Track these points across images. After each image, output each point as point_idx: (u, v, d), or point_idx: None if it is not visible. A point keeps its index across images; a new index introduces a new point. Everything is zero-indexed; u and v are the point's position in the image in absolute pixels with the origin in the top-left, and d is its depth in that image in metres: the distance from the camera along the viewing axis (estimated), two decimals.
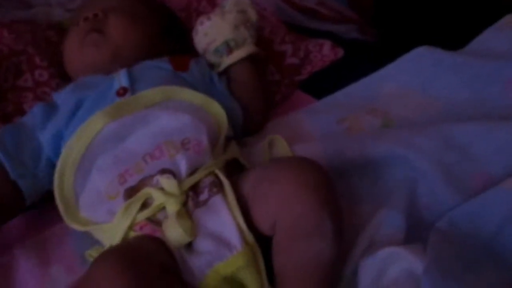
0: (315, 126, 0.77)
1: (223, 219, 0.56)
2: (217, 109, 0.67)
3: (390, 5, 1.13)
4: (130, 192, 0.59)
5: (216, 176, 0.59)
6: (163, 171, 0.59)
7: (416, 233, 0.59)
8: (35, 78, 0.84)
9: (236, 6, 0.78)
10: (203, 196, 0.58)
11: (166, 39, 0.82)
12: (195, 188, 0.59)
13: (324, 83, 0.89)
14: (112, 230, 0.58)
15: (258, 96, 0.78)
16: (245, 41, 0.78)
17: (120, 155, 0.61)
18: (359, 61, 0.93)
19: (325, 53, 0.92)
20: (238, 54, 0.77)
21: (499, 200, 0.56)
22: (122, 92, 0.68)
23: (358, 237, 0.58)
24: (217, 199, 0.57)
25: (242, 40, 0.78)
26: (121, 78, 0.70)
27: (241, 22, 0.78)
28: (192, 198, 0.58)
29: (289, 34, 0.95)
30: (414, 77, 0.81)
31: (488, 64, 0.77)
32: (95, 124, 0.63)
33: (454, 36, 0.89)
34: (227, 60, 0.78)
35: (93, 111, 0.65)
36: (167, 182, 0.57)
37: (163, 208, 0.58)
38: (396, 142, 0.64)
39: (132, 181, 0.60)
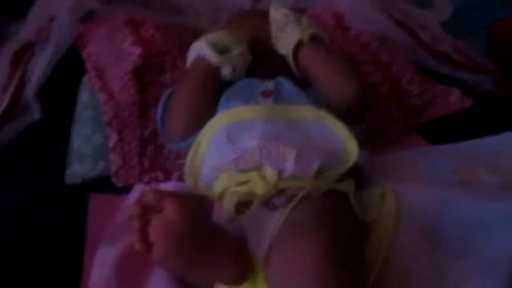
0: (428, 170, 0.75)
1: (260, 231, 0.57)
2: (353, 145, 0.68)
3: None
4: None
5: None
6: (271, 165, 0.64)
7: None
8: (173, 77, 0.93)
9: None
10: (278, 201, 0.61)
11: None
12: (283, 191, 0.63)
13: (445, 131, 0.86)
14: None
15: (340, 79, 0.77)
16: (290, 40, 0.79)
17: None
18: (488, 115, 0.89)
19: (452, 100, 0.90)
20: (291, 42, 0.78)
21: None
22: (266, 94, 0.75)
23: None
24: (278, 214, 0.59)
25: (285, 45, 0.80)
26: (268, 84, 0.78)
27: (277, 31, 0.81)
28: (275, 197, 0.62)
29: (417, 75, 0.94)
30: None
31: None
32: (245, 113, 0.70)
33: None
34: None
35: (237, 97, 0.74)
36: (270, 173, 0.63)
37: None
38: None
39: (243, 166, 0.66)
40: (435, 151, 0.80)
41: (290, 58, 0.80)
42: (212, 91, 0.78)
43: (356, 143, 0.68)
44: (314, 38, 0.79)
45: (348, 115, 0.73)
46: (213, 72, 0.78)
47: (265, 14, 0.93)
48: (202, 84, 0.78)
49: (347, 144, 0.68)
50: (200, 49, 0.79)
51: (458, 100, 0.90)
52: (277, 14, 0.82)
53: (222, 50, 0.78)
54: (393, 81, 0.92)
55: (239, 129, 0.70)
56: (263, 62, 0.83)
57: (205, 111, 0.75)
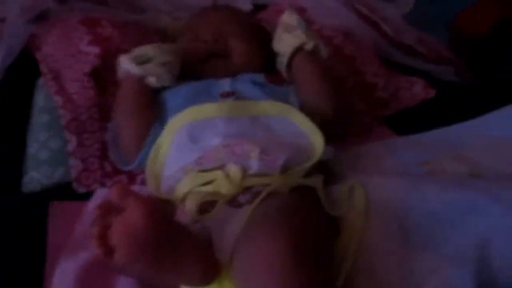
0: (395, 163, 0.75)
1: (224, 230, 0.56)
2: (318, 140, 0.67)
3: (494, 50, 1.09)
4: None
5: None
6: (235, 163, 0.63)
7: None
8: None
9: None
10: (243, 199, 0.60)
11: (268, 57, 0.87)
12: (249, 189, 0.62)
13: (410, 122, 0.87)
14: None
15: (324, 95, 0.77)
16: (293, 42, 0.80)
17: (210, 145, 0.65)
18: (451, 105, 0.90)
19: (415, 91, 0.90)
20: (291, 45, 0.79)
21: None
22: (226, 95, 0.75)
23: None
24: (243, 211, 0.58)
25: (286, 46, 0.81)
26: (224, 84, 0.77)
27: (280, 32, 0.82)
28: (240, 195, 0.61)
29: (381, 67, 0.94)
30: (510, 129, 0.76)
31: None
32: (207, 111, 0.69)
33: None
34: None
35: (194, 100, 0.72)
36: (234, 171, 0.62)
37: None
38: (481, 193, 0.60)
39: (207, 166, 0.64)
40: (401, 143, 0.80)
41: (285, 57, 0.80)
42: (149, 101, 0.77)
43: (321, 137, 0.67)
44: (315, 49, 0.80)
45: (320, 128, 0.71)
46: (140, 83, 0.78)
47: (225, 10, 0.92)
48: (135, 98, 0.77)
49: (312, 138, 0.67)
50: (122, 64, 0.79)
51: (422, 91, 0.91)
52: (290, 18, 0.82)
53: (143, 62, 0.78)
54: (358, 75, 0.92)
55: (200, 128, 0.68)
56: (216, 62, 0.82)
57: (150, 122, 0.74)
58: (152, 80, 0.78)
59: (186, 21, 0.95)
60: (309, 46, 0.79)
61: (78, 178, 0.76)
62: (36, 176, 0.77)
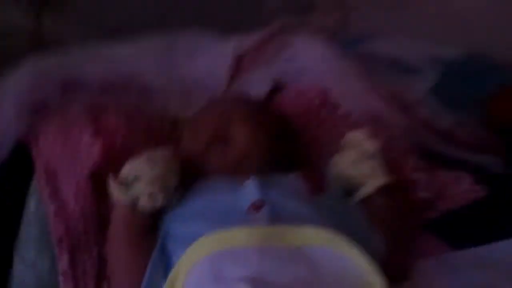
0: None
1: None
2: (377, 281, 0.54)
3: None
4: None
5: None
6: None
7: None
8: None
9: (350, 143, 0.72)
10: None
11: (281, 144, 0.78)
12: None
13: (460, 227, 0.74)
14: None
15: (395, 233, 0.66)
16: (371, 175, 0.68)
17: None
18: (505, 203, 0.78)
19: (464, 189, 0.78)
20: (372, 184, 0.68)
21: None
22: (255, 208, 0.60)
23: None
24: None
25: (361, 176, 0.69)
26: (251, 189, 0.64)
27: (357, 157, 0.70)
28: None
29: (420, 160, 0.82)
30: None
31: None
32: (236, 238, 0.55)
33: None
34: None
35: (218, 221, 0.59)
36: None
37: None
38: None
39: None
40: (458, 259, 0.67)
41: (363, 192, 0.68)
42: (144, 233, 0.64)
43: (381, 279, 0.53)
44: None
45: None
46: (132, 211, 0.65)
47: (232, 99, 0.84)
48: (126, 232, 0.64)
49: (369, 280, 0.54)
50: (111, 189, 0.66)
51: (471, 188, 0.78)
52: (369, 145, 0.71)
53: (131, 183, 0.65)
54: (395, 170, 0.80)
55: (228, 260, 0.54)
56: (216, 150, 0.72)
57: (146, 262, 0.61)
58: (143, 203, 0.64)
59: (193, 114, 0.86)
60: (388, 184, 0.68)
61: None
62: None
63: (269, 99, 0.99)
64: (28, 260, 0.68)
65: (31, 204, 0.76)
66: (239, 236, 0.55)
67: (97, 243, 0.70)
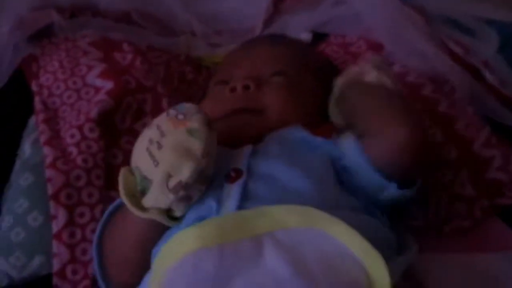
0: None
1: None
2: (380, 271, 0.41)
3: None
4: None
5: None
6: None
7: None
8: None
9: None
10: None
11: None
12: None
13: None
14: None
15: (392, 116, 0.53)
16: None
17: None
18: None
19: None
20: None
21: None
22: (232, 178, 0.49)
23: None
24: None
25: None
26: (239, 155, 0.52)
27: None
28: None
29: (493, 135, 0.68)
30: None
31: None
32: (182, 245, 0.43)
33: None
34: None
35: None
36: None
37: None
38: None
39: None
40: None
41: (337, 87, 0.59)
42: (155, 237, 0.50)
43: (383, 262, 0.41)
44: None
45: (396, 171, 0.51)
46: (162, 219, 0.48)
47: (270, 43, 0.70)
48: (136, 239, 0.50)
49: (366, 265, 0.41)
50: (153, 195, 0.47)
51: None
52: (369, 75, 0.58)
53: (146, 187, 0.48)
54: (461, 144, 0.67)
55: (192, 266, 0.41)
56: (245, 118, 0.58)
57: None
58: (179, 212, 0.48)
59: (224, 56, 0.72)
60: (371, 76, 0.57)
61: (61, 272, 0.54)
62: (3, 266, 0.54)
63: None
64: (17, 213, 0.57)
65: (26, 147, 0.64)
66: (184, 241, 0.43)
67: (101, 200, 0.58)
